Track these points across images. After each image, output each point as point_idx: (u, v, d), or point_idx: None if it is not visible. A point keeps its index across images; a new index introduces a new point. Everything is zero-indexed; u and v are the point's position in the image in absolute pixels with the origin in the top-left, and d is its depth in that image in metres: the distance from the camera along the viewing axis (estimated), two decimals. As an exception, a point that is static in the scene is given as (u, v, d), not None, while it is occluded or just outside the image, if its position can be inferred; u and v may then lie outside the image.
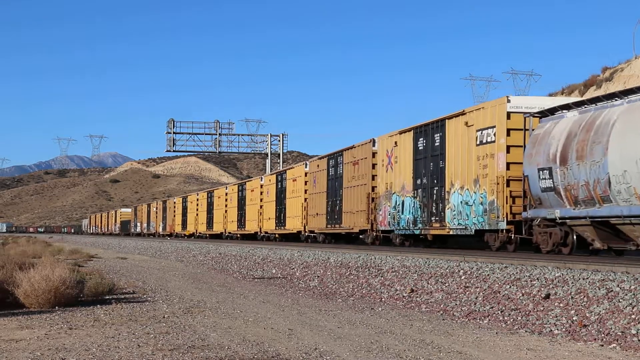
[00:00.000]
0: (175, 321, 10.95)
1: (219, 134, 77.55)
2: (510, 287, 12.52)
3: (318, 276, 18.62)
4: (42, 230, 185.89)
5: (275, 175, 49.15)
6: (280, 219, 46.23)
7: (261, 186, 52.12)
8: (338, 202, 35.90)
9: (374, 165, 32.04)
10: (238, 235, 57.14)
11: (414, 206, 27.41)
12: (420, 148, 27.14)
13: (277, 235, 47.91)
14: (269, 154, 78.87)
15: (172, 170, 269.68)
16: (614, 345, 8.91)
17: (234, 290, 16.35)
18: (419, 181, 27.14)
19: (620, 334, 9.24)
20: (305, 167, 42.41)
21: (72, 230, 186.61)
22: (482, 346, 9.02)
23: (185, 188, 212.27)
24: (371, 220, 31.64)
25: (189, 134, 76.70)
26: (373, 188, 31.87)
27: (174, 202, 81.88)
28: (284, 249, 27.97)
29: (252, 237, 52.85)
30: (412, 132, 27.86)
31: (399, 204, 28.60)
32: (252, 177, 54.08)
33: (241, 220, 56.48)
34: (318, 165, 39.59)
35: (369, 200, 31.99)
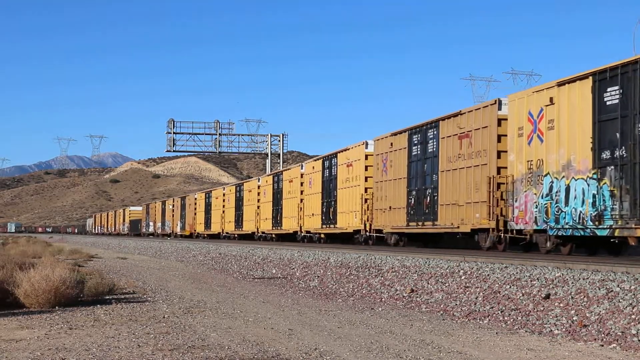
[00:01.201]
0: (175, 321, 10.95)
1: (219, 134, 77.52)
2: (510, 287, 12.52)
3: (318, 276, 18.62)
4: (50, 230, 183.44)
5: (272, 176, 50.42)
6: (277, 219, 47.59)
7: (284, 183, 48.72)
8: (333, 202, 36.92)
9: (367, 167, 33.01)
10: (273, 235, 48.78)
11: (596, 193, 18.17)
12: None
13: (273, 235, 49.14)
14: (269, 154, 78.84)
15: (172, 170, 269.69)
16: (614, 345, 8.92)
17: (234, 290, 16.35)
18: (605, 154, 17.98)
19: (620, 334, 9.24)
20: (302, 168, 43.41)
21: (76, 231, 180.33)
22: (482, 346, 9.02)
23: (186, 188, 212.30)
24: (364, 220, 32.59)
25: (189, 134, 76.67)
26: (366, 189, 32.95)
27: (195, 199, 73.26)
28: (284, 249, 27.98)
29: (292, 238, 44.52)
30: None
31: (558, 190, 19.71)
32: (252, 177, 52.45)
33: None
34: (313, 167, 40.50)
35: (362, 201, 32.98)
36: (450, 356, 8.38)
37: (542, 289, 11.83)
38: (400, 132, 29.10)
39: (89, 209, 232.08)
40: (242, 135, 79.97)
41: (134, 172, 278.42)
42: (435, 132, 26.69)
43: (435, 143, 26.86)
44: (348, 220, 34.45)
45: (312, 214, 39.77)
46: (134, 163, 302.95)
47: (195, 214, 71.93)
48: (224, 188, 62.54)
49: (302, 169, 43.38)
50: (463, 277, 14.19)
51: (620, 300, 10.21)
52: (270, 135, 79.56)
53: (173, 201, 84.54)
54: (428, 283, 14.63)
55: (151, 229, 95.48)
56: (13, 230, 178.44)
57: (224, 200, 60.88)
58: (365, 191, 32.45)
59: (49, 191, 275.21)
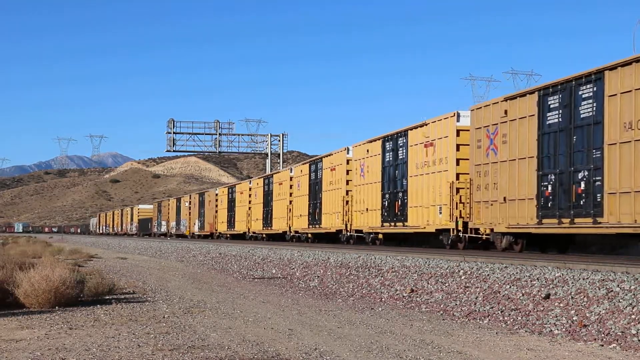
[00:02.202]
0: (175, 321, 10.95)
1: (219, 134, 77.54)
2: (510, 287, 12.52)
3: (318, 276, 18.63)
4: (56, 230, 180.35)
5: (198, 194, 53.51)
6: (268, 220, 49.84)
7: (288, 180, 46.87)
8: (318, 204, 39.63)
9: (348, 172, 35.82)
10: (309, 235, 42.10)
11: None
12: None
13: (264, 235, 51.20)
14: (269, 154, 78.85)
15: (172, 170, 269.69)
16: (614, 345, 8.92)
17: (234, 290, 16.35)
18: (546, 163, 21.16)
19: (620, 334, 9.24)
20: (290, 172, 45.99)
21: (79, 231, 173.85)
22: (482, 346, 9.03)
23: (186, 188, 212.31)
24: (345, 221, 35.39)
25: (189, 134, 76.70)
26: (347, 192, 35.61)
27: (216, 194, 65.46)
28: (284, 249, 27.98)
29: (334, 239, 38.82)
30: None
31: None
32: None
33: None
34: (301, 170, 43.38)
35: (343, 203, 35.50)
36: (450, 356, 8.38)
37: (542, 289, 11.83)
38: (375, 140, 31.58)
39: (89, 209, 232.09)
40: (242, 135, 80.00)
41: (134, 172, 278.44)
42: (404, 141, 29.16)
43: (404, 150, 29.36)
44: (331, 220, 37.34)
45: (300, 215, 42.71)
46: (134, 163, 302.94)
47: (216, 211, 64.29)
48: (249, 181, 56.76)
49: (291, 172, 46.21)
50: (463, 277, 14.20)
51: (620, 300, 10.22)
52: (270, 135, 79.58)
53: (190, 198, 75.69)
54: (428, 283, 14.63)
55: (163, 229, 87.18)
56: (20, 230, 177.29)
57: (250, 196, 54.49)
58: (347, 194, 35.09)
59: (49, 191, 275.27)
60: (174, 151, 78.84)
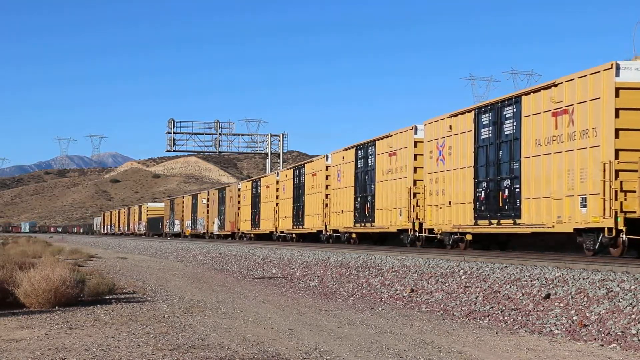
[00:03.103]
0: (175, 321, 10.95)
1: (219, 134, 77.54)
2: (510, 287, 12.52)
3: (318, 276, 18.63)
4: (60, 230, 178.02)
5: (251, 182, 52.88)
6: (255, 220, 51.36)
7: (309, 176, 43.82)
8: (301, 206, 41.79)
9: (327, 177, 38.31)
10: (353, 235, 35.62)
11: None
12: None
13: (252, 235, 52.41)
14: (269, 154, 78.86)
15: (172, 170, 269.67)
16: (614, 345, 8.92)
17: (234, 290, 16.35)
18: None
19: (620, 333, 9.24)
20: (277, 175, 48.65)
21: (82, 231, 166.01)
22: (482, 346, 9.02)
23: (186, 188, 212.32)
24: (325, 222, 37.64)
25: (189, 133, 76.70)
26: (326, 195, 37.94)
27: (239, 189, 58.51)
28: (284, 249, 27.99)
29: (384, 240, 34.58)
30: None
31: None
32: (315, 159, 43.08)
33: (362, 212, 34.02)
34: (286, 175, 45.90)
35: (323, 205, 38.10)
36: (450, 356, 8.38)
37: (542, 288, 11.83)
38: (350, 148, 33.22)
39: (89, 209, 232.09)
40: (242, 135, 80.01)
41: (134, 172, 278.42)
42: (373, 150, 31.30)
43: (373, 159, 31.89)
44: (313, 221, 39.29)
45: (285, 216, 45.25)
46: (134, 163, 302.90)
47: (238, 208, 57.64)
48: (277, 174, 49.91)
49: (277, 176, 48.77)
50: (463, 277, 14.20)
51: (620, 300, 10.21)
52: (270, 135, 79.58)
53: (208, 194, 69.00)
54: (428, 283, 14.63)
55: (177, 229, 79.51)
56: (27, 230, 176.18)
57: (277, 190, 48.40)
58: (326, 197, 36.59)
59: (49, 191, 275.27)
60: (174, 151, 78.86)
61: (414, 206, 28.11)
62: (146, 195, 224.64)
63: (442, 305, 12.83)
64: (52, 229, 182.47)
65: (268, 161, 79.13)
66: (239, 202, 57.50)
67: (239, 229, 57.14)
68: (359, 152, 33.58)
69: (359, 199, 33.38)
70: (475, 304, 12.31)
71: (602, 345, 8.95)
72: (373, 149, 32.03)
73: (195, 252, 34.44)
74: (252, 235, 49.54)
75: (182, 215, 78.02)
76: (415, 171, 28.48)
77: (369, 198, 32.47)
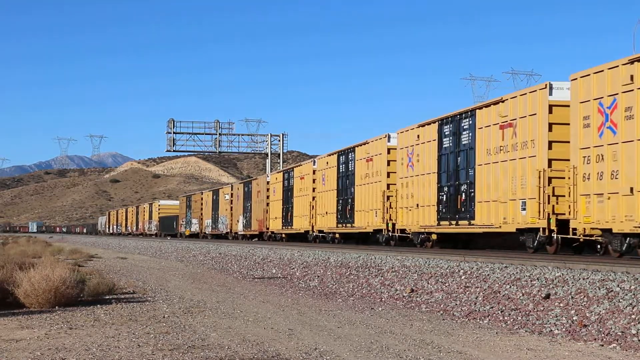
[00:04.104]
0: (175, 321, 10.95)
1: (219, 134, 77.51)
2: (510, 287, 12.52)
3: (318, 276, 18.63)
4: (65, 230, 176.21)
5: (282, 172, 49.15)
6: (287, 218, 49.21)
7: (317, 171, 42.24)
8: (290, 208, 43.45)
9: (314, 180, 40.76)
10: (337, 235, 37.02)
11: None
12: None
13: (283, 235, 49.57)
14: (269, 154, 78.84)
15: (172, 170, 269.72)
16: (614, 345, 8.92)
17: (234, 290, 16.35)
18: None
19: (620, 334, 9.24)
20: (267, 177, 49.59)
21: (85, 231, 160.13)
22: (482, 346, 9.02)
23: (186, 188, 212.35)
24: (312, 223, 39.74)
25: (189, 133, 76.66)
26: (313, 198, 40.40)
27: (268, 182, 50.64)
28: (284, 249, 27.99)
29: (365, 240, 35.29)
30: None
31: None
32: (254, 176, 45.16)
33: (344, 213, 35.99)
34: (276, 178, 47.33)
35: (310, 207, 40.38)
36: (450, 356, 8.38)
37: (542, 289, 11.83)
38: (332, 154, 35.10)
39: (89, 208, 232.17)
40: (242, 135, 79.98)
41: (134, 172, 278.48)
42: (353, 156, 33.38)
43: (353, 164, 34.25)
44: (301, 222, 40.96)
45: (275, 217, 46.17)
46: (134, 163, 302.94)
47: (267, 204, 49.72)
48: (313, 162, 41.64)
49: (267, 177, 50.51)
50: (463, 277, 14.20)
51: (620, 300, 10.22)
52: (270, 135, 79.55)
53: (232, 188, 61.24)
54: (428, 283, 14.63)
55: (195, 228, 72.08)
56: (35, 230, 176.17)
57: (314, 181, 40.98)
58: (313, 199, 38.08)
59: (49, 191, 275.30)
60: (174, 151, 78.77)
61: (387, 208, 30.48)
62: (146, 195, 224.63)
63: (442, 305, 12.82)
64: (57, 229, 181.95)
65: (268, 161, 79.12)
66: (267, 196, 49.66)
67: (267, 228, 49.42)
68: (341, 157, 36.05)
69: (340, 201, 35.81)
70: (475, 304, 12.31)
71: (602, 345, 8.95)
72: (353, 155, 34.39)
73: (195, 252, 34.44)
74: (283, 236, 45.05)
75: (201, 214, 70.37)
76: (388, 176, 30.86)
77: (350, 200, 35.08)
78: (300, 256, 23.20)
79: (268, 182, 50.75)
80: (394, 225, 30.18)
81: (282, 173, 46.30)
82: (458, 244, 28.15)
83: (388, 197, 30.39)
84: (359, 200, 33.64)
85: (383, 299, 14.35)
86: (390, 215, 30.39)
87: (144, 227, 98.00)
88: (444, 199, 26.25)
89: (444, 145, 26.33)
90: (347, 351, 8.57)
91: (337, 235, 36.73)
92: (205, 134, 77.07)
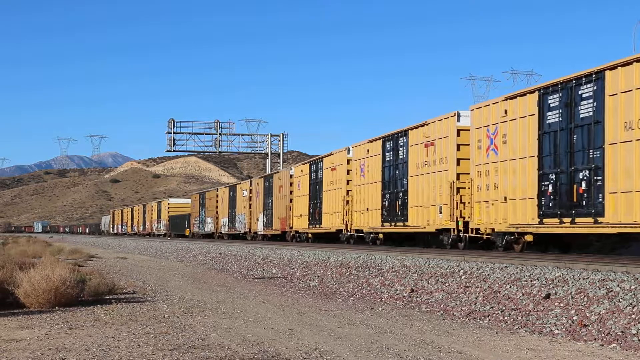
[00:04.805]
0: (176, 321, 10.95)
1: (219, 134, 77.50)
2: (510, 287, 12.52)
3: (318, 276, 18.62)
4: (68, 230, 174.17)
5: (308, 164, 45.09)
6: (315, 216, 46.30)
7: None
8: (318, 204, 42.98)
9: (291, 184, 44.85)
10: (380, 236, 32.46)
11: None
12: None
13: (310, 235, 46.28)
14: (269, 154, 78.83)
15: (172, 170, 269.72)
16: (614, 345, 8.92)
17: (234, 290, 16.35)
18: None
19: (620, 333, 9.24)
20: (291, 170, 47.64)
21: (87, 231, 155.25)
22: (482, 346, 9.02)
23: (186, 188, 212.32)
24: (346, 221, 40.34)
25: (189, 133, 76.65)
26: (290, 200, 44.46)
27: (291, 176, 45.91)
28: (284, 249, 27.98)
29: (414, 241, 31.19)
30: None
31: None
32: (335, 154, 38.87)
33: (393, 209, 30.83)
34: (302, 170, 47.54)
35: (287, 209, 44.83)
36: (450, 356, 8.38)
37: (542, 288, 11.83)
38: (375, 140, 34.16)
39: (89, 208, 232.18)
40: (242, 135, 79.96)
41: (134, 172, 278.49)
42: (405, 140, 31.82)
43: (405, 150, 33.50)
44: (332, 220, 41.07)
45: (301, 215, 45.52)
46: (134, 163, 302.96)
47: (290, 200, 45.19)
48: (348, 151, 36.20)
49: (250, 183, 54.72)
50: (463, 277, 14.19)
51: (621, 300, 10.21)
52: (270, 135, 79.54)
53: (250, 184, 56.14)
54: (428, 283, 14.63)
55: (209, 228, 67.09)
56: (40, 230, 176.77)
57: (348, 172, 35.80)
58: (347, 193, 37.14)
59: (49, 191, 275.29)
60: (174, 151, 78.75)
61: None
62: (146, 195, 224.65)
63: (442, 305, 12.82)
64: (61, 229, 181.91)
65: (268, 161, 79.11)
66: (291, 191, 45.28)
67: (291, 227, 45.03)
68: (388, 143, 30.52)
69: (388, 195, 30.34)
70: (475, 304, 12.31)
71: (602, 345, 8.95)
72: (406, 140, 29.08)
73: (195, 252, 34.44)
74: (309, 236, 41.21)
75: (217, 212, 64.91)
76: (458, 164, 25.66)
77: (318, 204, 37.97)
78: (300, 256, 23.20)
79: (292, 176, 45.78)
80: (466, 223, 24.68)
81: (308, 164, 42.52)
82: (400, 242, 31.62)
83: (458, 190, 25.21)
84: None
85: (383, 299, 14.35)
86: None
87: (152, 227, 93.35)
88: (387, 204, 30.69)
89: (386, 159, 30.81)
90: (347, 351, 8.57)
91: (380, 236, 32.05)
92: (205, 134, 77.08)
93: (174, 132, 76.09)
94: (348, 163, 34.82)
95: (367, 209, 32.16)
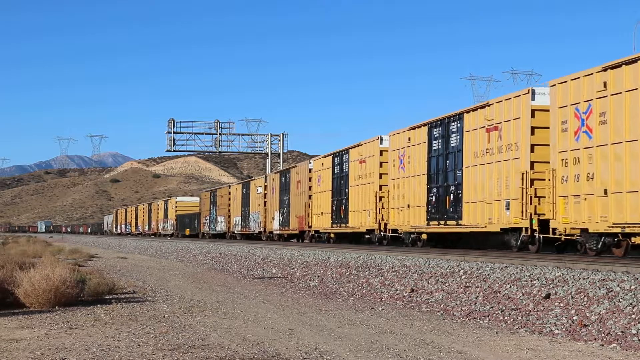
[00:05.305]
0: (176, 321, 10.95)
1: (219, 134, 77.51)
2: (510, 286, 12.52)
3: (318, 276, 18.63)
4: (70, 230, 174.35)
5: (331, 157, 42.39)
6: (340, 214, 44.70)
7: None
8: (344, 200, 39.72)
9: (381, 163, 40.96)
10: (332, 235, 37.10)
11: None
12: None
13: (332, 235, 44.53)
14: (269, 154, 78.84)
15: (172, 170, 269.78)
16: (614, 345, 8.91)
17: (234, 290, 16.35)
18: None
19: (620, 333, 9.24)
20: (310, 163, 45.80)
21: (89, 230, 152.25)
22: (482, 346, 9.02)
23: (186, 188, 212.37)
24: (379, 219, 39.76)
25: (189, 133, 76.67)
26: (381, 186, 41.15)
27: (310, 169, 42.24)
28: (284, 249, 27.99)
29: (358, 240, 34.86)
30: None
31: None
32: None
33: (338, 213, 36.32)
34: (322, 163, 46.33)
35: (376, 199, 42.78)
36: (450, 356, 8.38)
37: (542, 288, 11.83)
38: (417, 127, 29.78)
39: (89, 208, 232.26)
40: (242, 135, 79.98)
41: (134, 171, 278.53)
42: (459, 125, 27.05)
43: (347, 166, 35.52)
44: (361, 219, 38.11)
45: (322, 213, 44.01)
46: (134, 163, 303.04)
47: (309, 197, 41.51)
48: (380, 140, 32.34)
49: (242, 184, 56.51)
50: (463, 277, 14.19)
51: (621, 300, 10.21)
52: (271, 135, 79.55)
53: (265, 180, 51.96)
54: (428, 283, 14.63)
55: (221, 227, 63.15)
56: (43, 230, 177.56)
57: (382, 165, 32.09)
58: (380, 188, 32.37)
59: (49, 191, 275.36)
60: (174, 151, 78.78)
61: (531, 197, 22.62)
62: (146, 195, 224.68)
63: (442, 305, 12.82)
64: (63, 229, 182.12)
65: (268, 161, 79.12)
66: (310, 187, 41.74)
67: (310, 226, 41.46)
68: (435, 130, 27.67)
69: (435, 190, 27.52)
70: (475, 303, 12.31)
71: (602, 345, 8.95)
72: (459, 124, 26.07)
73: (195, 252, 34.44)
74: (331, 236, 37.73)
75: (229, 210, 60.83)
76: (532, 150, 22.39)
77: (344, 201, 35.88)
78: (300, 256, 23.21)
79: (311, 170, 42.24)
80: (543, 222, 21.09)
81: (331, 157, 38.21)
82: (449, 243, 28.72)
83: (532, 182, 21.40)
84: (472, 186, 24.68)
85: (383, 299, 14.35)
86: (535, 207, 21.41)
87: (158, 227, 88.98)
88: (433, 200, 27.93)
89: (433, 148, 27.43)
90: (347, 351, 8.57)
91: (423, 236, 28.24)
92: (206, 133, 77.09)
93: (174, 132, 76.10)
94: (381, 154, 31.34)
95: (408, 206, 28.48)
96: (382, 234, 31.03)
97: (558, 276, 12.26)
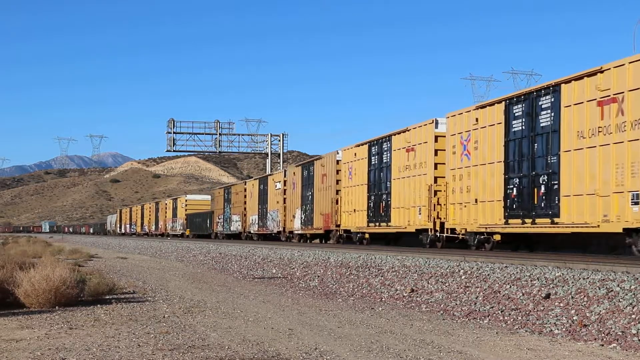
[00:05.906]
0: (176, 321, 10.95)
1: (219, 134, 77.50)
2: (510, 287, 12.52)
3: (318, 276, 18.62)
4: (72, 231, 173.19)
5: (367, 145, 37.42)
6: (379, 211, 43.43)
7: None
8: (384, 195, 35.06)
9: (436, 151, 43.46)
10: (366, 236, 33.12)
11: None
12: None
13: (367, 236, 40.66)
14: (269, 154, 78.83)
15: (172, 170, 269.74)
16: (614, 345, 8.91)
17: (234, 290, 16.35)
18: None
19: (620, 333, 9.24)
20: (338, 154, 41.26)
21: (91, 231, 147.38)
22: (482, 346, 9.02)
23: (186, 188, 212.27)
24: (434, 217, 38.91)
25: (189, 133, 76.67)
26: (436, 179, 41.48)
27: (337, 161, 37.20)
28: (284, 249, 27.98)
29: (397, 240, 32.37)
30: None
31: None
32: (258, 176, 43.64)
33: (377, 211, 31.59)
34: (355, 154, 48.76)
35: (429, 194, 41.87)
36: (450, 356, 8.38)
37: (542, 288, 11.83)
38: (363, 144, 33.66)
39: (89, 208, 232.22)
40: (242, 135, 79.96)
41: (134, 172, 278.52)
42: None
43: (388, 155, 33.42)
44: (408, 216, 34.06)
45: (354, 210, 41.36)
46: (134, 163, 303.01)
47: (337, 192, 36.71)
48: (436, 124, 27.43)
49: (245, 185, 56.36)
50: (463, 277, 14.19)
51: (621, 299, 10.21)
52: (271, 135, 79.53)
53: (285, 174, 46.89)
54: (428, 283, 14.63)
55: (235, 227, 58.55)
56: (47, 230, 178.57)
57: (437, 153, 27.21)
58: (435, 181, 27.64)
59: (49, 191, 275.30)
60: (174, 151, 78.77)
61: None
62: (146, 195, 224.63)
63: (442, 305, 12.82)
64: (66, 229, 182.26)
65: (268, 161, 79.10)
66: (338, 181, 36.81)
67: (338, 225, 36.45)
68: (515, 107, 22.47)
69: (516, 180, 22.41)
70: (475, 304, 12.31)
71: (602, 345, 8.95)
72: (555, 98, 20.55)
73: (195, 252, 34.43)
74: (366, 236, 33.38)
75: (244, 208, 56.34)
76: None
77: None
78: (300, 256, 23.20)
79: (339, 162, 36.88)
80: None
81: (366, 145, 32.84)
82: (525, 246, 24.51)
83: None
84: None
85: (383, 299, 14.35)
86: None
87: (166, 227, 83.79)
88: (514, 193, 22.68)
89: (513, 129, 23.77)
90: (347, 351, 8.56)
91: (497, 237, 23.38)
92: (206, 134, 77.08)
93: (174, 132, 76.09)
94: (436, 141, 26.80)
95: (476, 200, 23.84)
96: (438, 234, 26.40)
97: (558, 276, 12.26)
